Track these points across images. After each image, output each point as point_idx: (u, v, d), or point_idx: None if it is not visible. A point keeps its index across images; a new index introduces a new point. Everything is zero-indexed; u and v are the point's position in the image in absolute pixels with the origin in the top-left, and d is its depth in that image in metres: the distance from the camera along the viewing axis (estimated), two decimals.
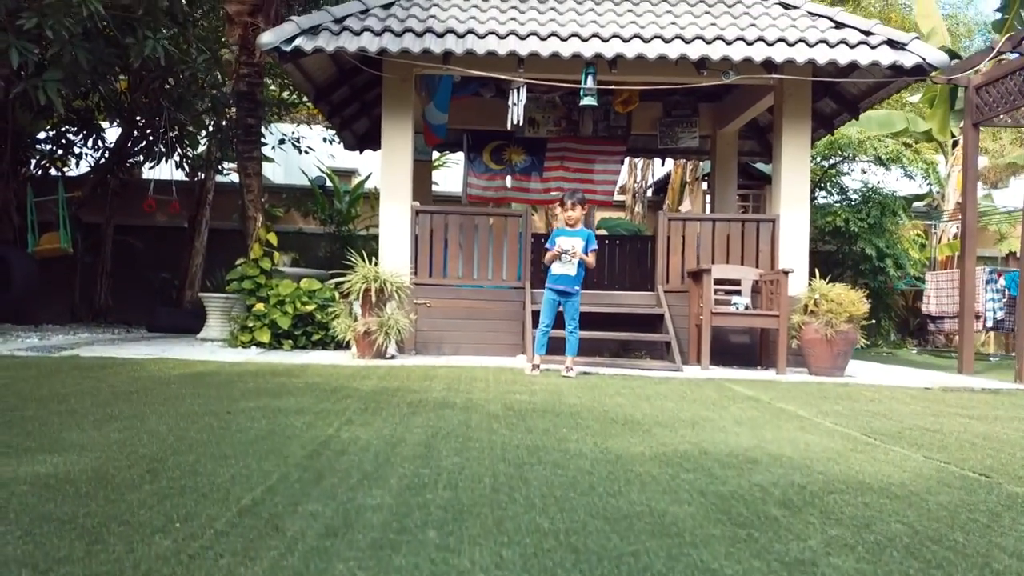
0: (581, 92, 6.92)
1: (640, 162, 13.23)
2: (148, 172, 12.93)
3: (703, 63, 6.86)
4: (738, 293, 7.39)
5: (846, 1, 19.59)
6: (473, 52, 6.79)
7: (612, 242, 10.22)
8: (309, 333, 7.38)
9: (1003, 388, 6.33)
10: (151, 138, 11.74)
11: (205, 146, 12.43)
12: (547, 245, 6.13)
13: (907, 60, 6.80)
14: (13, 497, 2.11)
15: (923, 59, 6.77)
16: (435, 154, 12.89)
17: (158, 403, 3.87)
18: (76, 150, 12.08)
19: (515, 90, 7.01)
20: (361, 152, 11.16)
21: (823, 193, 12.77)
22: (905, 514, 2.31)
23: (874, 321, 10.44)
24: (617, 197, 13.92)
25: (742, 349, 7.50)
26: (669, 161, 12.46)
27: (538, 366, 6.00)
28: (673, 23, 7.20)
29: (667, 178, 13.29)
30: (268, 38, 6.71)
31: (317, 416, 3.59)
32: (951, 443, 3.60)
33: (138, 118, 11.16)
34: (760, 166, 12.17)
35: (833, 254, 12.22)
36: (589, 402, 4.52)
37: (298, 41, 6.72)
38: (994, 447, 3.54)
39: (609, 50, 6.82)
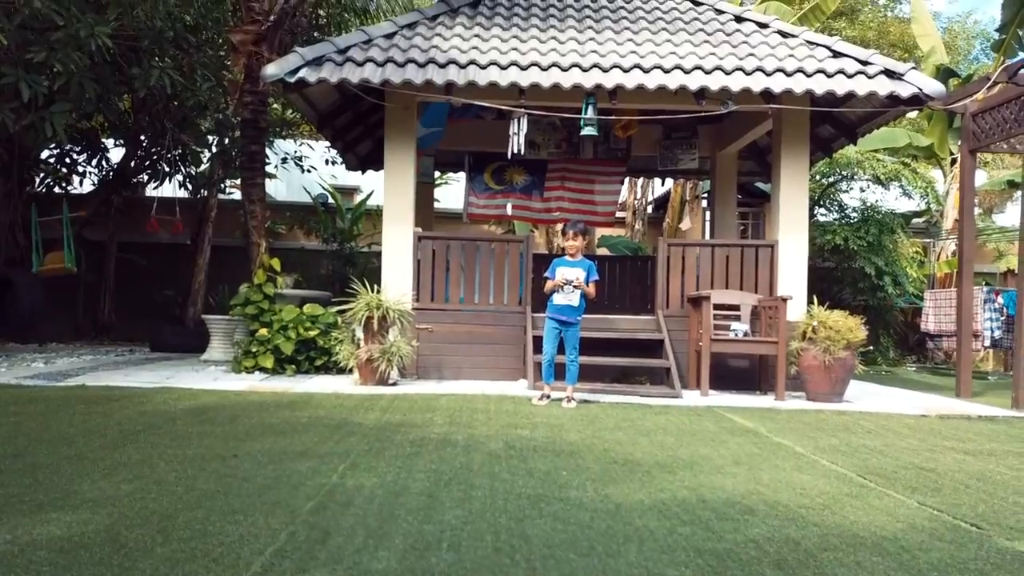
0: (582, 122, 7.00)
1: (641, 179, 13.32)
2: (152, 190, 13.03)
3: (702, 93, 6.94)
4: (737, 319, 7.46)
5: (842, 16, 19.73)
6: (475, 83, 6.87)
7: (612, 263, 10.29)
8: (312, 358, 7.44)
9: (999, 416, 6.39)
10: (155, 157, 11.86)
11: (208, 164, 12.51)
12: (547, 274, 6.20)
13: (904, 90, 6.88)
14: (32, 566, 2.18)
15: (920, 89, 6.85)
16: (436, 173, 12.99)
17: (165, 444, 3.94)
18: (80, 169, 12.19)
19: (516, 120, 7.09)
20: (363, 172, 11.25)
21: (822, 211, 12.86)
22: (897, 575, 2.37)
23: (871, 347, 10.49)
24: (618, 214, 14.02)
25: (742, 373, 7.56)
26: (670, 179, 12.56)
27: (548, 396, 6.06)
28: (672, 53, 7.29)
29: (667, 195, 13.38)
30: (272, 70, 6.80)
31: (322, 460, 3.66)
32: (945, 484, 3.66)
33: (142, 138, 11.27)
34: (760, 185, 12.24)
35: (832, 271, 12.29)
36: (589, 438, 4.58)
37: (302, 72, 6.81)
38: (987, 490, 3.60)
39: (609, 80, 6.90)
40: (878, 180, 11.58)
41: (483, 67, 7.02)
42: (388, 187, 7.63)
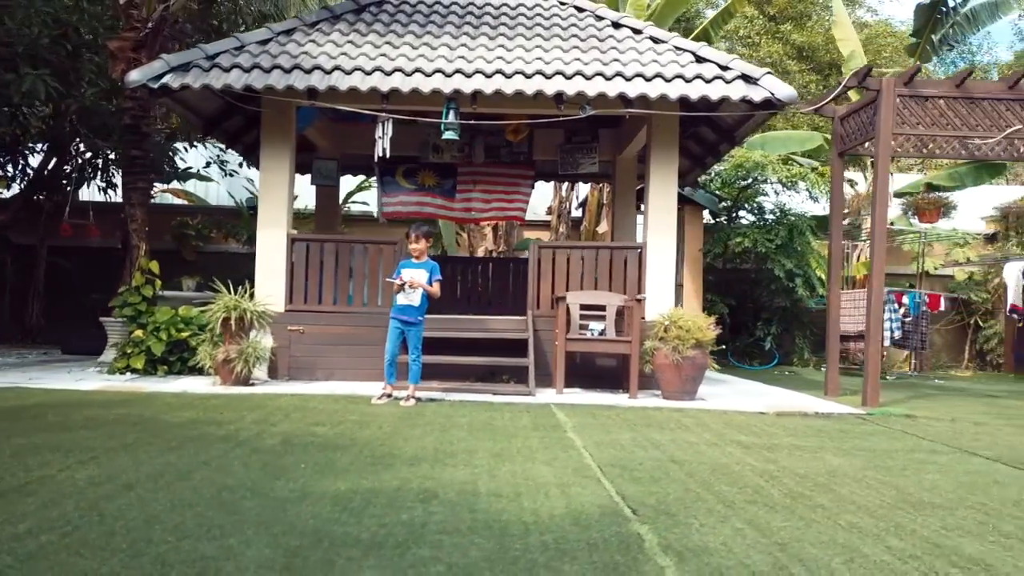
0: (442, 126, 7.15)
1: (565, 184, 13.48)
2: (88, 194, 13.19)
3: (560, 98, 7.10)
4: (603, 319, 7.61)
5: (790, 20, 19.93)
6: (336, 88, 7.03)
7: (497, 265, 10.45)
8: (185, 359, 7.58)
9: (838, 413, 6.54)
10: (79, 162, 12.02)
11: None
12: (391, 277, 6.35)
13: (757, 94, 7.04)
14: None
15: (772, 94, 7.01)
16: (361, 178, 13.14)
17: None
18: None
19: (381, 124, 7.24)
20: None
21: (746, 214, 13.01)
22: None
23: (723, 346, 10.57)
24: (544, 217, 14.17)
25: (610, 373, 7.69)
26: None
27: (390, 395, 6.18)
28: (539, 58, 7.44)
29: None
30: (135, 76, 6.95)
31: (66, 454, 3.80)
32: (668, 475, 3.80)
33: (61, 144, 11.41)
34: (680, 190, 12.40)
35: (748, 274, 12.46)
36: (380, 435, 4.72)
37: (166, 78, 6.96)
38: (702, 479, 3.74)
39: (468, 86, 7.06)
40: (782, 183, 11.73)
41: (348, 73, 7.17)
42: (263, 190, 7.79)
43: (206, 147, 12.61)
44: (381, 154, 7.25)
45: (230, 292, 7.01)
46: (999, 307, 13.04)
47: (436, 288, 6.28)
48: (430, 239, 6.48)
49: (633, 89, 7.07)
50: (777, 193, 12.28)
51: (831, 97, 7.64)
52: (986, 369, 13.39)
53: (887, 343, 10.69)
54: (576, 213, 13.88)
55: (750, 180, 12.04)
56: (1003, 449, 5.10)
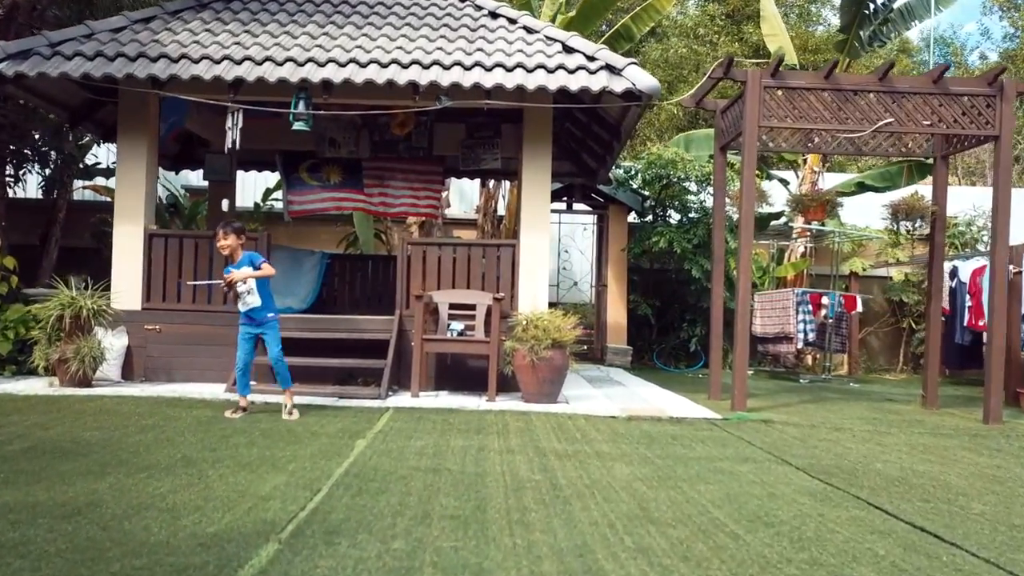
0: (291, 117, 6.86)
1: (492, 182, 13.19)
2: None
3: (415, 88, 6.81)
4: (473, 318, 7.33)
5: (750, 20, 19.65)
6: (178, 77, 6.74)
7: (375, 262, 10.13)
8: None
9: (693, 417, 6.25)
10: None
11: (53, 167, 12.45)
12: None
13: (618, 85, 6.75)
14: None
15: (633, 84, 6.72)
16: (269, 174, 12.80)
17: None
18: None
19: (232, 114, 6.95)
20: (177, 173, 11.09)
21: (673, 212, 12.72)
22: None
23: (586, 348, 10.25)
24: (471, 216, 13.87)
25: (481, 375, 7.38)
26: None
27: (245, 408, 5.58)
28: (400, 48, 7.15)
29: None
30: None
31: None
32: (403, 487, 3.51)
33: None
34: (603, 187, 12.11)
35: (665, 274, 12.18)
36: (147, 440, 4.44)
37: (0, 66, 6.67)
38: (424, 486, 3.46)
39: (318, 75, 6.77)
40: (699, 181, 11.42)
41: (195, 61, 6.87)
42: (120, 183, 7.50)
43: None
44: (231, 146, 6.95)
45: (87, 288, 6.74)
46: None
47: (267, 268, 5.67)
48: (240, 235, 5.71)
49: (490, 79, 6.77)
50: (698, 192, 11.97)
51: (701, 91, 7.34)
52: (920, 372, 13.06)
53: (800, 344, 10.40)
54: (503, 212, 13.57)
55: (669, 179, 11.72)
56: (826, 458, 4.82)
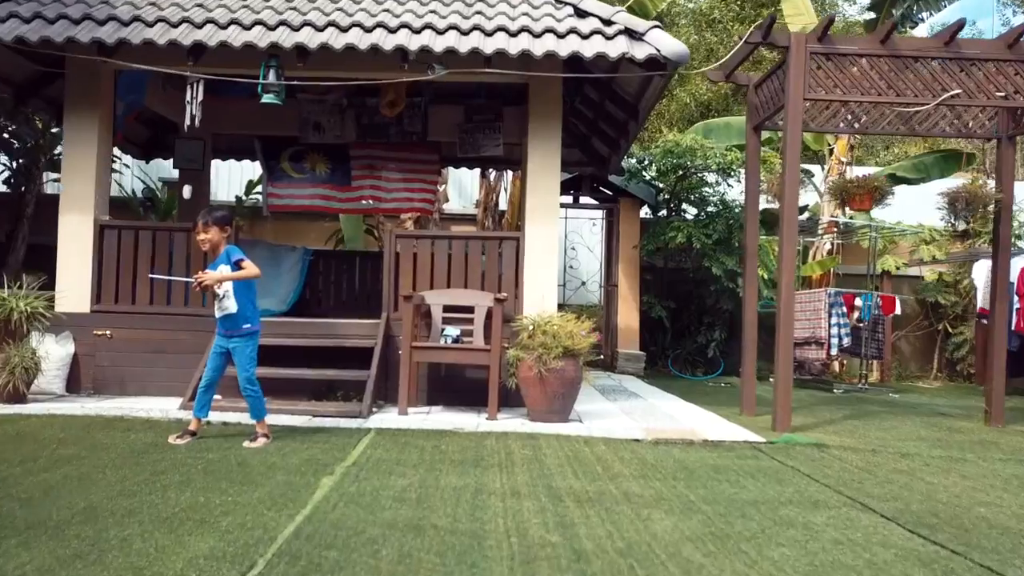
0: (259, 88, 5.90)
1: (492, 173, 12.22)
2: None
3: (404, 55, 5.84)
4: (471, 321, 6.37)
5: None
6: (128, 42, 5.77)
7: (363, 260, 9.14)
8: None
9: (731, 440, 5.27)
10: None
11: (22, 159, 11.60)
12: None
13: (640, 52, 5.78)
14: None
15: (657, 50, 5.74)
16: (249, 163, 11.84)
17: None
18: None
19: (191, 85, 5.99)
20: (147, 161, 10.15)
21: (688, 206, 11.74)
22: None
23: (602, 356, 9.34)
24: (471, 211, 12.91)
25: (479, 388, 6.39)
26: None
27: (195, 432, 4.63)
28: (387, 11, 6.20)
29: None
30: None
31: None
32: (344, 558, 2.55)
33: None
34: (613, 179, 11.13)
35: (686, 273, 11.22)
36: (54, 480, 3.47)
37: None
38: (391, 560, 2.49)
39: (290, 40, 5.80)
40: (720, 171, 10.42)
41: (150, 25, 5.91)
42: (66, 167, 6.55)
43: None
44: (190, 122, 5.98)
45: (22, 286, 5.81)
46: (971, 311, 11.76)
47: (248, 268, 4.67)
48: (225, 227, 4.80)
49: (491, 44, 5.81)
50: (718, 183, 10.98)
51: (734, 61, 6.36)
52: (956, 380, 12.09)
53: (834, 351, 9.41)
54: (505, 206, 12.60)
55: (686, 168, 10.73)
56: (913, 499, 3.84)
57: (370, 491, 3.50)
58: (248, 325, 4.72)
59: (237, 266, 4.64)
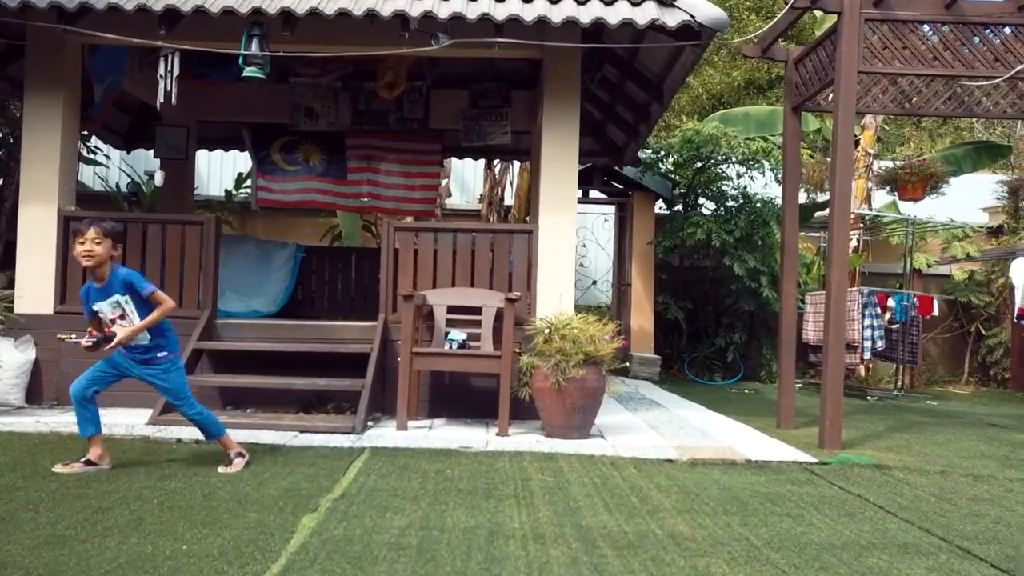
0: (241, 60, 5.22)
1: (498, 165, 11.55)
2: None
3: (405, 22, 5.17)
4: (479, 324, 5.69)
5: None
6: (91, 6, 5.10)
7: (360, 256, 8.45)
8: None
9: (779, 461, 4.60)
10: None
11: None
12: (84, 315, 3.87)
13: (672, 19, 5.11)
14: None
15: (692, 16, 5.07)
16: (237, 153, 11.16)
17: None
18: None
19: (164, 58, 5.32)
20: (129, 152, 9.48)
21: (705, 201, 11.06)
22: None
23: (626, 364, 8.66)
24: (474, 207, 12.23)
25: (488, 399, 5.71)
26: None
27: (93, 461, 3.73)
28: None
29: None
30: None
31: None
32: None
33: None
34: (627, 171, 10.45)
35: (700, 272, 10.54)
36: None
37: None
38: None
39: (275, 5, 5.13)
40: (743, 162, 9.74)
41: None
42: (26, 152, 5.86)
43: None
44: (163, 99, 5.32)
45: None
46: (1005, 312, 11.08)
47: (164, 302, 3.74)
48: (118, 245, 3.75)
49: (502, 10, 5.14)
50: (739, 175, 10.29)
51: (773, 33, 5.67)
52: (989, 385, 11.41)
53: (867, 355, 8.73)
54: (510, 201, 11.91)
55: (706, 160, 10.05)
56: (1016, 538, 3.17)
57: (360, 535, 2.83)
58: (167, 353, 3.86)
59: (147, 301, 3.73)
